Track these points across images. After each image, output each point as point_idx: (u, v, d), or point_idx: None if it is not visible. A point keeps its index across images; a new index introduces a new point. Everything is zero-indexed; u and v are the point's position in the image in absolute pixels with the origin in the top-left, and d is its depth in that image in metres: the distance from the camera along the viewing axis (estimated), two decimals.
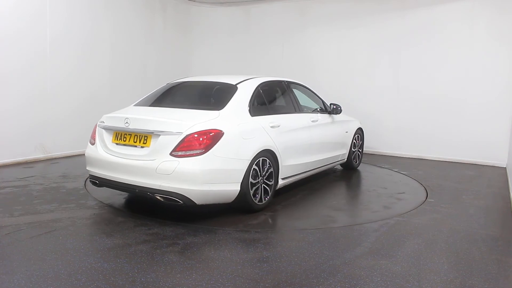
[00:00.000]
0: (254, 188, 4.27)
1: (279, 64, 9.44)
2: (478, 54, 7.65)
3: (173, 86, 5.18)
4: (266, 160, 4.42)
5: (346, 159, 6.52)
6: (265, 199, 4.45)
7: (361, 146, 6.99)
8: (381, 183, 6.13)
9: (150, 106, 4.72)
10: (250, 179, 4.18)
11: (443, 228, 4.08)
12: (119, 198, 4.82)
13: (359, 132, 6.86)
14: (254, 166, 4.23)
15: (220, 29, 10.04)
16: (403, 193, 5.43)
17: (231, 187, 4.06)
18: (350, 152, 6.57)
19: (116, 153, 4.13)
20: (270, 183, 4.50)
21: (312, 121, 5.44)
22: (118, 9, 8.06)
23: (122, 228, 3.79)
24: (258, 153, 4.26)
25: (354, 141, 6.61)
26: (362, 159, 7.19)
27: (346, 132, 6.34)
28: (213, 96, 4.78)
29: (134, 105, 4.86)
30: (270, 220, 4.22)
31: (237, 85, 4.67)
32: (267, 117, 4.68)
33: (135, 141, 4.06)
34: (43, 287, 2.65)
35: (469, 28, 7.70)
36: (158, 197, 3.88)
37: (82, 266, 2.98)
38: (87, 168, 4.48)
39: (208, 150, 3.82)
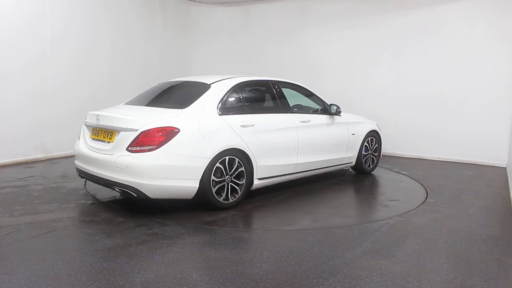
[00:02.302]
0: (217, 186, 4.31)
1: (279, 64, 9.45)
2: (478, 54, 7.65)
3: (159, 86, 5.35)
4: (235, 159, 4.44)
5: (354, 163, 6.27)
6: (232, 198, 4.46)
7: (376, 149, 6.63)
8: (382, 188, 5.99)
9: (132, 104, 4.94)
10: (212, 177, 4.24)
11: (443, 228, 4.08)
12: (119, 198, 4.82)
13: (373, 134, 6.53)
14: (218, 165, 4.28)
15: (220, 29, 10.04)
16: (397, 200, 5.18)
17: (188, 184, 4.13)
18: (360, 156, 6.30)
19: (91, 148, 4.41)
20: (240, 183, 4.51)
21: (302, 122, 5.30)
22: (118, 9, 8.07)
23: (122, 228, 3.79)
24: (222, 152, 4.30)
25: (366, 144, 6.37)
26: (379, 163, 6.81)
27: (353, 134, 6.10)
28: (186, 95, 4.82)
29: (124, 104, 5.09)
30: (230, 219, 4.20)
31: (211, 85, 4.74)
32: (239, 116, 4.66)
33: (104, 136, 4.33)
34: (43, 287, 2.65)
35: (469, 28, 7.70)
36: (117, 189, 4.19)
37: (82, 266, 2.98)
38: (74, 161, 4.77)
39: (160, 147, 3.97)
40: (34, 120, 6.72)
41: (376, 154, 6.65)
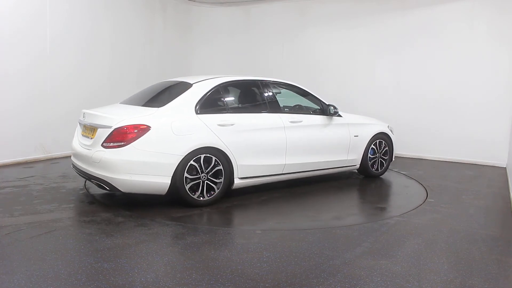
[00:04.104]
0: (192, 183, 4.39)
1: (279, 64, 9.44)
2: (478, 54, 7.65)
3: (153, 86, 5.45)
4: (212, 158, 4.48)
5: (358, 165, 6.04)
6: (208, 196, 4.50)
7: (386, 152, 6.31)
8: (379, 194, 5.69)
9: (124, 104, 5.11)
10: (186, 174, 4.32)
11: (443, 228, 4.08)
12: (119, 198, 4.82)
13: (382, 136, 6.24)
14: (192, 162, 4.36)
15: (220, 29, 10.04)
16: (383, 207, 5.02)
17: (159, 180, 4.25)
18: (366, 159, 6.04)
19: (81, 143, 4.66)
20: (218, 181, 4.55)
21: (292, 122, 5.19)
22: (118, 9, 8.06)
23: (122, 228, 3.79)
24: (196, 150, 4.38)
25: (373, 146, 6.11)
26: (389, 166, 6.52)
27: (356, 136, 5.87)
28: (168, 94, 4.88)
29: (118, 103, 5.27)
30: (197, 216, 4.23)
31: (193, 84, 4.81)
32: (218, 115, 4.68)
33: (89, 133, 4.55)
34: (43, 287, 2.65)
35: (469, 28, 7.70)
36: (94, 182, 4.49)
37: (82, 266, 2.98)
38: (71, 157, 5.00)
39: (129, 143, 4.14)
40: (34, 120, 6.72)
41: (386, 158, 6.34)
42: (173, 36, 9.60)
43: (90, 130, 4.51)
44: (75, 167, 4.78)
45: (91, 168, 4.35)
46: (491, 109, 7.61)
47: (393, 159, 6.54)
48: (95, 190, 5.06)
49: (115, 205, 4.56)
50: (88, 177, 4.49)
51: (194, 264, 3.09)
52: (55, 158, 6.98)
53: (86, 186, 5.27)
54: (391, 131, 6.48)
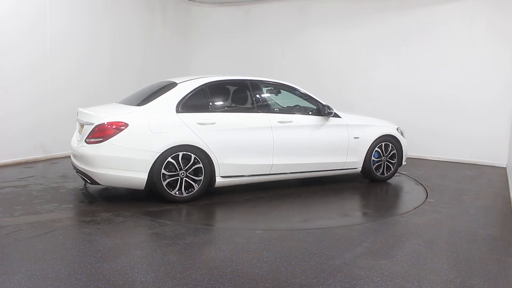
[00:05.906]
0: (169, 179, 4.49)
1: (278, 64, 9.44)
2: (478, 53, 7.66)
3: (148, 86, 5.51)
4: (191, 156, 4.56)
5: (360, 168, 5.80)
6: (187, 193, 4.58)
7: (394, 156, 5.97)
8: (373, 199, 5.46)
9: (120, 103, 5.22)
10: (163, 171, 4.44)
11: (443, 228, 4.08)
12: (119, 198, 4.83)
13: (389, 139, 5.93)
14: (169, 159, 4.47)
15: (220, 29, 10.04)
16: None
17: (136, 175, 4.41)
18: (369, 161, 5.79)
19: (76, 140, 4.84)
20: (197, 179, 4.61)
21: (280, 122, 5.11)
22: (118, 10, 8.06)
23: (122, 228, 3.80)
24: (173, 147, 4.48)
25: (378, 149, 5.84)
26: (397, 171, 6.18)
27: (356, 137, 5.64)
28: (154, 93, 4.94)
29: (115, 103, 5.39)
30: (174, 212, 4.31)
31: (179, 84, 4.92)
32: (198, 114, 4.73)
33: (80, 129, 4.75)
34: (43, 287, 2.65)
35: (469, 27, 7.71)
36: (80, 176, 4.75)
37: (82, 266, 2.98)
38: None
39: (107, 139, 4.33)
40: (34, 120, 6.72)
41: (393, 161, 6.00)
42: (173, 36, 9.59)
43: (81, 127, 4.71)
44: (72, 163, 4.97)
45: (77, 162, 4.63)
46: (491, 109, 7.62)
47: (404, 163, 6.19)
48: (95, 190, 5.06)
49: (115, 205, 4.55)
50: (76, 170, 4.75)
51: (194, 264, 3.09)
52: (55, 158, 6.97)
53: (86, 186, 5.27)
54: (402, 133, 6.15)
